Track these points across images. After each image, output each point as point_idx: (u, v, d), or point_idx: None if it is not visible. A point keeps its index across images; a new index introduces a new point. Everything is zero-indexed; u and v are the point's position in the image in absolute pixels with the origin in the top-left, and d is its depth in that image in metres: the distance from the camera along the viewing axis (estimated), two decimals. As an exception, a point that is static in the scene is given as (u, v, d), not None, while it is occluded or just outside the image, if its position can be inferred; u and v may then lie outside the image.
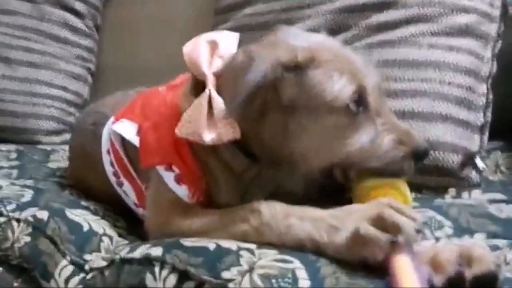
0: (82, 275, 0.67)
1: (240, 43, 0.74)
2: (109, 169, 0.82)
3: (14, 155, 1.16)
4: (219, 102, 0.65)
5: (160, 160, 0.71)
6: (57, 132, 1.35)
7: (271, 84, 0.63)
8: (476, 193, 0.85)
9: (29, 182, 0.94)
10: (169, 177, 0.70)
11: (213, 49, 0.71)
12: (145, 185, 0.76)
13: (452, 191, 0.87)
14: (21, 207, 0.76)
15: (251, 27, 1.23)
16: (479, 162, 0.90)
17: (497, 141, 0.99)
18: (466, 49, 0.99)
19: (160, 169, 0.71)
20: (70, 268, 0.68)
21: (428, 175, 0.89)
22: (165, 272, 0.58)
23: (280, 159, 0.68)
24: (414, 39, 1.01)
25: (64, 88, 1.41)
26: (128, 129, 0.77)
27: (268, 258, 0.57)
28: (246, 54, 0.65)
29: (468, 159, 0.89)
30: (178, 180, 0.70)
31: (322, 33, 0.78)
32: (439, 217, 0.75)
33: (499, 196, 0.83)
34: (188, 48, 0.73)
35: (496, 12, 1.02)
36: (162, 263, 0.59)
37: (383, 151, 0.65)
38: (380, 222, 0.53)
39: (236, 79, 0.63)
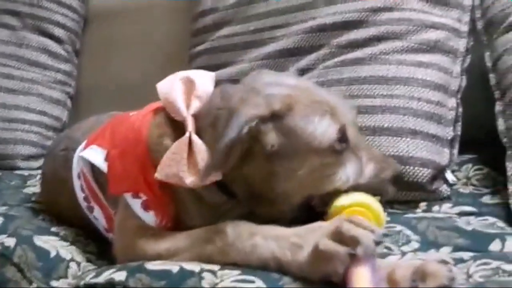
0: (48, 302, 0.67)
1: (216, 83, 0.76)
2: (79, 194, 0.82)
3: (-11, 181, 1.16)
4: (200, 146, 0.66)
5: (127, 187, 0.71)
6: (35, 157, 1.35)
7: (251, 136, 0.63)
8: (446, 207, 0.86)
9: (2, 209, 0.93)
10: (136, 204, 0.71)
11: (189, 89, 0.72)
12: (114, 211, 0.76)
13: (423, 205, 0.88)
14: (-13, 235, 0.76)
15: (226, 48, 1.24)
16: (449, 175, 0.91)
17: (468, 154, 1.00)
18: (435, 65, 1.01)
19: (127, 196, 0.71)
20: (37, 295, 0.68)
21: (399, 190, 0.90)
22: (127, 297, 0.58)
23: (261, 198, 0.68)
24: (384, 56, 1.02)
25: (43, 113, 1.42)
26: (97, 155, 0.77)
27: (230, 280, 0.57)
28: (223, 102, 0.67)
29: (438, 173, 0.90)
30: (145, 206, 0.70)
31: (292, 73, 0.80)
32: (407, 232, 0.76)
33: (468, 208, 0.84)
34: (163, 88, 0.73)
35: (465, 28, 1.04)
36: (124, 287, 0.59)
37: (367, 179, 0.70)
38: (339, 236, 0.54)
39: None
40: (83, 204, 0.81)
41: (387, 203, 0.91)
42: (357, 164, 0.69)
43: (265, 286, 0.56)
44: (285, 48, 1.13)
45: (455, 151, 0.96)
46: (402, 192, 0.90)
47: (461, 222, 0.78)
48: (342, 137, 0.67)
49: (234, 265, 0.61)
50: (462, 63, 1.03)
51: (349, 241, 0.52)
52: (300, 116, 0.65)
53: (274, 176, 0.66)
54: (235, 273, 0.58)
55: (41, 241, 0.75)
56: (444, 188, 0.90)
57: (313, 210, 0.70)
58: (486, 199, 0.87)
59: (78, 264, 0.73)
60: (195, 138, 0.66)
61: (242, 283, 0.56)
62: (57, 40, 1.49)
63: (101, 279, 0.62)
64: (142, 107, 0.81)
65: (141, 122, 0.75)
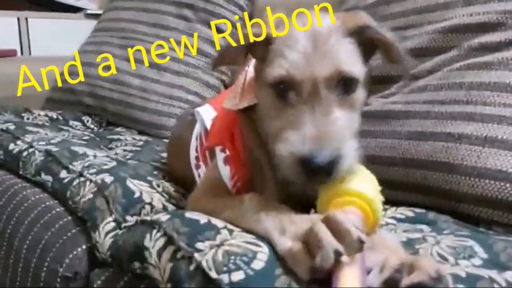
0: (117, 231, 0.78)
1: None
2: (193, 153, 0.91)
3: (140, 143, 1.37)
4: (250, 75, 0.73)
5: (218, 141, 0.79)
6: (183, 130, 1.54)
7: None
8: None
9: (131, 162, 1.10)
10: (220, 157, 0.77)
11: None
12: None
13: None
14: (98, 172, 0.92)
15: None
16: None
17: None
18: None
19: (217, 149, 0.79)
20: (112, 224, 0.80)
21: (500, 209, 0.79)
22: (158, 235, 0.65)
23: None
24: (515, 62, 0.90)
25: (198, 95, 1.60)
26: (207, 114, 0.87)
27: (241, 239, 0.60)
28: None
29: (547, 197, 0.76)
30: (226, 161, 0.77)
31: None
32: (477, 248, 0.67)
33: None
34: None
35: None
36: (159, 227, 0.66)
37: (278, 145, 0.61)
38: (307, 238, 0.52)
39: None
40: (193, 162, 0.90)
41: (484, 224, 0.81)
42: (283, 121, 0.62)
43: (267, 252, 0.57)
44: (415, 47, 1.08)
45: None
46: (503, 213, 0.79)
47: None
48: (285, 84, 0.63)
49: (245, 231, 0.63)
50: None
51: (315, 245, 0.50)
52: (276, 46, 0.66)
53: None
54: (248, 236, 0.61)
55: (132, 183, 0.88)
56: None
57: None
58: None
59: (153, 207, 0.83)
60: (250, 69, 0.73)
61: (249, 245, 0.58)
62: (222, 33, 1.66)
63: (151, 217, 0.70)
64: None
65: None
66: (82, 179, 0.91)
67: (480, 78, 0.93)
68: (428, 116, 0.93)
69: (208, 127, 0.85)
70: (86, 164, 0.96)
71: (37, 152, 1.05)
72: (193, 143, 0.92)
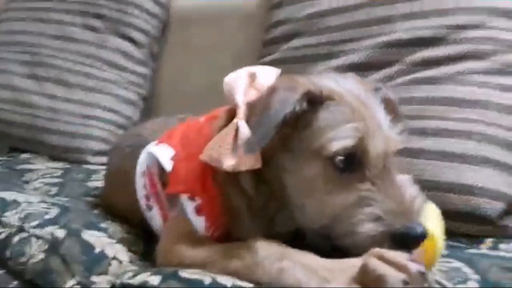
0: (86, 296, 0.68)
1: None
2: (140, 192, 0.83)
3: (59, 173, 1.22)
4: (244, 131, 0.64)
5: (185, 188, 0.71)
6: (104, 153, 1.40)
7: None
8: (517, 246, 0.77)
9: (63, 200, 0.97)
10: (190, 206, 0.70)
11: (251, 81, 0.71)
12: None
13: (489, 241, 0.80)
14: (43, 225, 0.79)
15: (296, 60, 1.22)
16: (523, 212, 0.83)
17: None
18: (518, 89, 0.92)
19: (184, 197, 0.71)
20: (77, 288, 0.69)
21: (464, 221, 0.83)
22: (157, 302, 0.57)
23: (281, 198, 0.66)
24: (461, 77, 0.96)
25: (116, 112, 1.47)
26: (164, 154, 0.78)
27: (261, 298, 0.54)
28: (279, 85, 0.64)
29: (510, 208, 0.82)
30: (198, 210, 0.70)
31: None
32: (466, 269, 0.69)
33: (542, 252, 0.75)
34: (228, 78, 0.74)
35: (559, 51, 0.95)
36: (156, 293, 0.58)
37: (352, 222, 0.57)
38: (366, 276, 0.50)
39: (265, 109, 0.61)
40: (143, 202, 0.82)
41: (450, 234, 0.85)
42: (354, 197, 0.58)
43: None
44: (354, 63, 1.09)
45: (533, 185, 0.87)
46: (466, 225, 0.83)
47: (532, 266, 0.70)
48: (354, 159, 0.60)
49: (258, 284, 0.58)
50: (552, 91, 0.93)
51: (376, 281, 0.48)
52: (330, 114, 0.61)
53: (282, 171, 0.63)
54: (269, 292, 0.56)
55: (88, 235, 0.76)
56: (515, 225, 0.82)
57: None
58: None
59: (120, 262, 0.73)
60: (241, 124, 0.65)
61: (273, 305, 0.53)
62: (136, 43, 1.55)
63: (136, 281, 0.61)
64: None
65: (208, 128, 0.75)
66: (24, 234, 0.77)
67: (430, 92, 0.96)
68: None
69: (167, 169, 0.76)
70: (22, 215, 0.82)
71: None
72: (139, 180, 0.83)
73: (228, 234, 0.70)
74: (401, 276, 0.47)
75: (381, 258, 0.50)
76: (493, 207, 0.81)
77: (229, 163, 0.63)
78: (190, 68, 1.58)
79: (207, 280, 0.58)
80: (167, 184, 0.75)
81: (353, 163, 0.59)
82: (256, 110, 0.63)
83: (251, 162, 0.63)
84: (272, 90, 0.63)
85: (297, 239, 0.66)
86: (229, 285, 0.57)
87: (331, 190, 0.60)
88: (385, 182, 0.58)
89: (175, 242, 0.69)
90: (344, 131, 0.59)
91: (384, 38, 1.07)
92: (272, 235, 0.64)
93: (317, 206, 0.61)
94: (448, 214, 0.81)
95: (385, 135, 0.62)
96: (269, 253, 0.59)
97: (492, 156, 0.86)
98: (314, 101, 0.62)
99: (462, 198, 0.84)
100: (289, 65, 1.22)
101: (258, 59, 1.32)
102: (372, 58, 1.07)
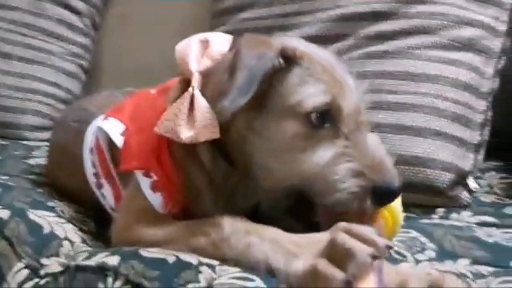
0: (36, 279, 0.63)
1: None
2: (89, 169, 0.78)
3: (-5, 150, 1.14)
4: (201, 101, 0.62)
5: (139, 164, 0.68)
6: (43, 128, 1.32)
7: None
8: (466, 215, 0.81)
9: (2, 178, 0.90)
10: (145, 183, 0.67)
11: (204, 48, 0.69)
12: (124, 190, 0.73)
13: (440, 211, 0.83)
14: (-17, 205, 0.73)
15: (247, 31, 1.19)
16: (471, 182, 0.86)
17: (494, 161, 0.94)
18: (466, 64, 0.95)
19: (138, 174, 0.67)
20: (25, 272, 0.64)
21: (416, 192, 0.85)
22: (118, 283, 0.54)
23: (244, 167, 0.64)
24: (412, 51, 0.97)
25: (56, 84, 1.38)
26: (114, 129, 0.74)
27: (228, 276, 0.53)
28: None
29: (460, 178, 0.85)
30: (154, 187, 0.67)
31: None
32: (422, 239, 0.71)
33: (490, 219, 0.79)
34: (180, 46, 0.71)
35: (502, 27, 0.98)
36: (116, 273, 0.55)
37: (334, 179, 0.57)
38: (334, 250, 0.49)
39: (241, 65, 0.58)
40: (92, 180, 0.77)
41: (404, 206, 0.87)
42: (332, 153, 0.58)
43: (264, 286, 0.51)
44: (308, 35, 1.08)
45: (480, 156, 0.91)
46: (419, 195, 0.86)
47: (481, 233, 0.73)
48: (328, 116, 0.59)
49: (224, 261, 0.56)
50: (496, 64, 0.97)
51: (344, 255, 0.48)
52: (302, 71, 0.60)
53: (249, 134, 0.61)
54: (234, 270, 0.54)
55: (35, 215, 0.71)
56: (464, 195, 0.86)
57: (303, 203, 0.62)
58: (510, 210, 0.82)
59: (72, 243, 0.69)
60: (197, 93, 0.62)
61: (241, 281, 0.52)
62: (76, 12, 1.45)
63: (93, 261, 0.58)
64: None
65: (161, 100, 0.72)
66: (-38, 216, 0.70)
67: (381, 67, 0.97)
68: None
69: (118, 144, 0.72)
70: (-42, 195, 0.75)
71: None
72: (87, 157, 0.78)
73: (187, 211, 0.68)
74: (369, 250, 0.47)
75: (349, 232, 0.50)
76: (444, 178, 0.84)
77: (186, 134, 0.61)
78: (133, 41, 1.52)
79: (170, 258, 0.56)
80: (118, 161, 0.72)
81: (327, 120, 0.59)
82: (221, 71, 0.61)
83: (209, 132, 0.61)
84: (239, 49, 0.60)
85: (257, 214, 0.65)
86: (194, 262, 0.55)
87: (306, 148, 0.59)
88: (359, 139, 0.59)
89: (132, 220, 0.66)
90: (319, 88, 0.59)
91: (338, 12, 1.06)
92: (232, 211, 0.63)
93: (288, 165, 0.60)
94: (402, 186, 0.84)
95: (356, 93, 0.62)
96: (235, 229, 0.57)
97: (442, 128, 0.89)
98: (288, 59, 0.61)
99: (415, 169, 0.86)
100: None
101: (210, 30, 1.28)
102: (326, 31, 1.07)
